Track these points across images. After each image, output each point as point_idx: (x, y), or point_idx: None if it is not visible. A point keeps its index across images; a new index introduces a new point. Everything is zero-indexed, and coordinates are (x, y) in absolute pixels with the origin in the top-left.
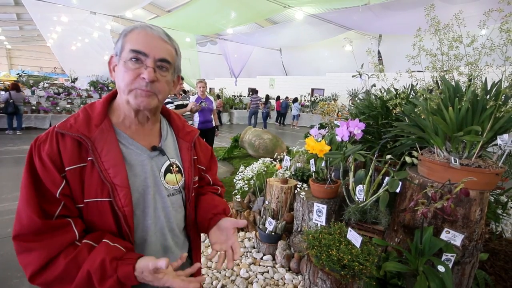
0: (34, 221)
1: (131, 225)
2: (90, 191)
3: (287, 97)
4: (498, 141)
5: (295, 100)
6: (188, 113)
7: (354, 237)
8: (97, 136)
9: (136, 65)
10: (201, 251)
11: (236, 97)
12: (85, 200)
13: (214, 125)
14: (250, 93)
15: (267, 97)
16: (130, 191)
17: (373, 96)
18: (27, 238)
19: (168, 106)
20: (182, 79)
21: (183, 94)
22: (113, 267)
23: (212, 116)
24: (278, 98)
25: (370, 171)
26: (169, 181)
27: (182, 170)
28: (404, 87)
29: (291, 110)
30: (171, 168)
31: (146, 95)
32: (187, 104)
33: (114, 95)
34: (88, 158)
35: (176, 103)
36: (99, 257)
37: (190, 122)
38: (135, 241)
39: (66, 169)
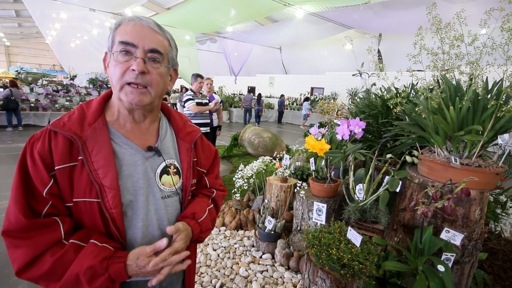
0: (19, 219)
1: (121, 227)
2: (79, 190)
3: (282, 95)
4: (499, 140)
5: (306, 99)
6: (207, 112)
7: (354, 236)
8: (89, 135)
9: (126, 57)
10: (201, 250)
11: (235, 95)
12: (74, 199)
13: (213, 125)
14: (249, 91)
15: (259, 96)
16: (120, 193)
17: (373, 95)
18: (14, 234)
19: (189, 102)
20: (202, 77)
21: (202, 93)
22: (104, 266)
23: (212, 116)
24: (280, 96)
25: (370, 170)
26: (165, 183)
27: (180, 171)
28: (405, 86)
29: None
30: (168, 169)
31: (138, 92)
32: (206, 103)
33: (112, 92)
34: (79, 158)
35: (197, 100)
36: (88, 260)
37: (206, 121)
38: (125, 242)
39: (56, 168)
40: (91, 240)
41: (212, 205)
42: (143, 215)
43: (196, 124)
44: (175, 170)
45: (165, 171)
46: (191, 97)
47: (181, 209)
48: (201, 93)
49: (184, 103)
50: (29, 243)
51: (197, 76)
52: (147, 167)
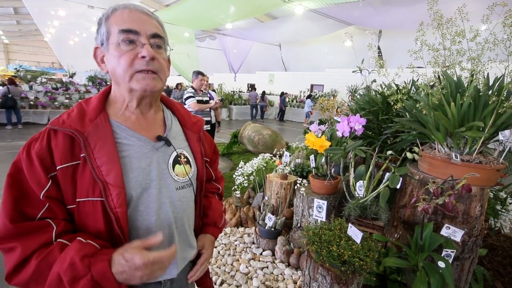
0: (6, 225)
1: (125, 227)
2: (82, 190)
3: (284, 93)
4: (500, 137)
5: (309, 96)
6: (207, 109)
7: (355, 233)
8: (91, 131)
9: (130, 46)
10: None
11: (235, 92)
12: (77, 200)
13: (213, 121)
14: (249, 89)
15: (263, 93)
16: (125, 191)
17: (374, 92)
18: (3, 239)
19: (190, 100)
20: (203, 75)
21: (203, 91)
22: (85, 264)
23: (211, 112)
24: (281, 94)
25: (371, 167)
26: (178, 173)
27: (190, 161)
28: (405, 82)
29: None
30: (179, 159)
31: (150, 78)
32: (207, 101)
33: (111, 88)
34: (81, 155)
35: (197, 98)
36: (69, 256)
37: (206, 118)
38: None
39: (58, 167)
40: (77, 238)
41: (223, 204)
42: (156, 208)
43: None
44: (185, 159)
45: (176, 161)
46: (191, 94)
47: (196, 200)
48: (201, 91)
49: (185, 101)
50: (18, 245)
51: (198, 73)
52: (159, 158)
